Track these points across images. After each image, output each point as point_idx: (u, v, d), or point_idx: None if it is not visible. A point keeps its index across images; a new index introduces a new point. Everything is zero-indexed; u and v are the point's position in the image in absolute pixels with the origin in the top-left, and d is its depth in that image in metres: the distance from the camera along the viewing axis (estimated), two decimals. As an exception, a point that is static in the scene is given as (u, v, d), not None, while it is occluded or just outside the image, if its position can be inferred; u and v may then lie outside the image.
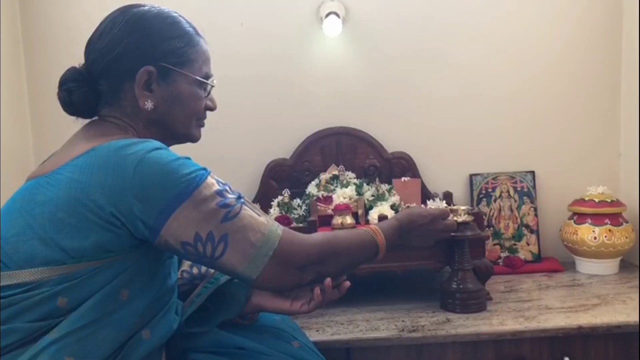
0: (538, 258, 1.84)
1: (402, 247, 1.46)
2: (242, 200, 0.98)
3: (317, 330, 1.36)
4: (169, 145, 1.13)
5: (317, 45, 1.86)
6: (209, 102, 1.15)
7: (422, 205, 1.59)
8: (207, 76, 1.12)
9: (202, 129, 1.15)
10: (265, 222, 0.97)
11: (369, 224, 1.64)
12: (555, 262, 1.82)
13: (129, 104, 1.04)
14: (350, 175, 1.79)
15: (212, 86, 1.14)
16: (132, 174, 0.90)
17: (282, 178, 1.84)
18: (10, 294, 0.88)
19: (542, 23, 1.86)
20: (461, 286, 1.44)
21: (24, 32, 1.84)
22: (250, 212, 0.96)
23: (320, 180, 1.77)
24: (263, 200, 1.79)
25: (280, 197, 1.74)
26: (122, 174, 0.90)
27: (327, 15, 1.77)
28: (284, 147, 1.86)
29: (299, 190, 1.78)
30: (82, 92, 1.03)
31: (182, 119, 1.09)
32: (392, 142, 1.86)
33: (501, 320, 1.38)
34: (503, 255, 1.83)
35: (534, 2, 1.86)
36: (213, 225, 0.92)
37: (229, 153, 1.88)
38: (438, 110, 1.88)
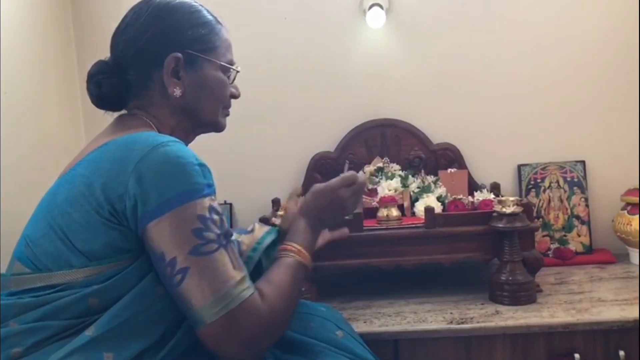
0: (589, 249, 1.80)
1: (450, 238, 1.46)
2: (225, 243, 0.91)
3: (365, 322, 1.36)
4: (195, 135, 1.14)
5: (360, 37, 1.86)
6: (233, 90, 1.15)
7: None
8: (231, 62, 1.13)
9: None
10: (236, 277, 0.90)
11: (415, 216, 1.63)
12: (607, 254, 1.77)
13: (157, 93, 1.05)
14: (395, 167, 1.78)
15: (237, 72, 1.14)
16: (132, 169, 0.88)
17: (327, 171, 1.84)
18: (43, 293, 0.89)
19: (593, 7, 1.81)
20: (510, 278, 1.42)
21: (76, 32, 1.90)
22: (226, 260, 0.89)
23: (365, 173, 1.77)
24: (308, 193, 1.80)
25: (325, 190, 1.74)
26: (123, 168, 0.89)
27: (371, 7, 1.77)
28: (328, 140, 1.87)
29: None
30: (111, 83, 1.05)
31: (210, 106, 1.10)
32: (437, 133, 1.84)
33: (552, 312, 1.35)
34: (553, 246, 1.79)
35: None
36: (179, 252, 0.87)
37: (274, 147, 1.90)
38: (484, 100, 1.85)
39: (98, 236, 0.89)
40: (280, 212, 1.24)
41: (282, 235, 1.16)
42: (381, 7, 1.76)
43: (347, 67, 1.87)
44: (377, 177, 1.74)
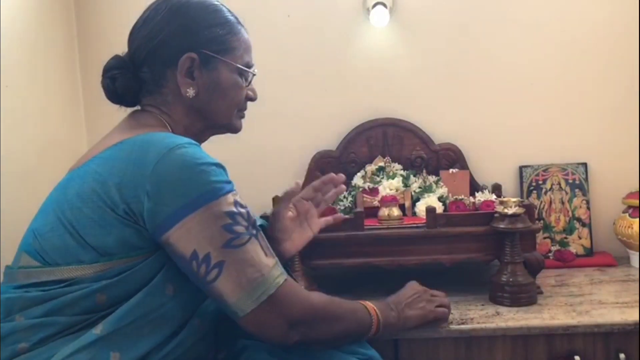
0: (590, 252, 1.80)
1: (451, 238, 1.46)
2: (255, 233, 0.93)
3: (365, 321, 1.35)
4: (209, 135, 1.13)
5: (364, 36, 1.85)
6: (249, 92, 1.14)
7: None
8: (249, 65, 1.11)
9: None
10: (269, 264, 0.93)
11: (416, 216, 1.63)
12: (608, 257, 1.77)
13: (171, 92, 1.04)
14: (396, 166, 1.78)
15: (254, 75, 1.13)
16: (150, 172, 0.88)
17: (328, 169, 1.83)
18: (51, 288, 0.89)
19: (596, 9, 1.81)
20: (511, 279, 1.41)
21: (79, 28, 1.89)
22: (258, 249, 0.92)
23: (366, 172, 1.77)
24: (309, 191, 1.79)
25: (326, 189, 1.74)
26: (140, 170, 0.89)
27: (374, 5, 1.76)
28: (330, 139, 1.86)
29: (344, 182, 1.78)
30: (125, 79, 1.04)
31: (224, 108, 1.09)
32: (439, 133, 1.84)
33: (552, 314, 1.35)
34: (553, 248, 1.79)
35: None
36: (213, 247, 0.89)
37: (275, 145, 1.90)
38: (487, 101, 1.85)
39: (112, 232, 0.89)
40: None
41: (265, 231, 1.14)
42: (385, 5, 1.76)
43: (349, 65, 1.86)
44: (378, 176, 1.74)
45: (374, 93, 1.87)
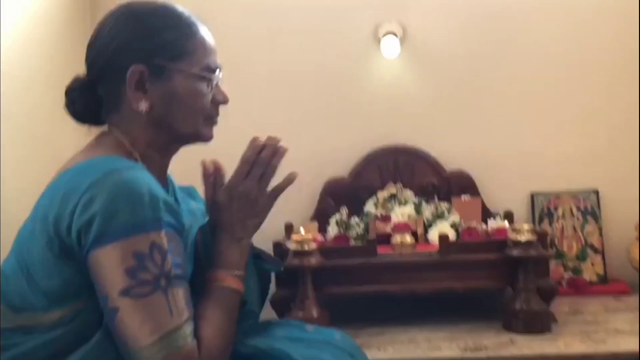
0: (604, 279, 1.78)
1: (464, 266, 1.45)
2: (164, 285, 0.82)
3: (379, 349, 1.35)
4: (178, 147, 1.03)
5: (375, 66, 1.88)
6: (218, 96, 1.01)
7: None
8: (210, 68, 0.99)
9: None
10: (173, 325, 0.82)
11: (429, 243, 1.62)
12: (622, 284, 1.75)
13: (127, 108, 0.95)
14: (408, 193, 1.78)
15: (212, 79, 1.00)
16: (79, 199, 0.82)
17: (340, 196, 1.84)
18: (12, 335, 0.87)
19: (607, 37, 1.82)
20: (525, 307, 1.41)
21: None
22: (162, 304, 0.82)
23: (378, 199, 1.77)
24: (321, 218, 1.80)
25: (338, 215, 1.75)
26: (72, 198, 0.83)
27: (385, 35, 1.79)
28: (342, 166, 1.88)
29: (356, 209, 1.79)
30: (83, 100, 0.98)
31: (186, 119, 0.98)
32: (451, 160, 1.85)
33: (568, 342, 1.34)
34: (566, 276, 1.78)
35: (599, 19, 1.83)
36: (110, 290, 0.81)
37: (287, 171, 1.90)
38: (498, 128, 1.86)
39: (53, 274, 0.84)
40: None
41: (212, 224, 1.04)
42: (395, 35, 1.79)
43: (361, 94, 1.89)
44: (390, 203, 1.74)
45: (385, 120, 1.88)
